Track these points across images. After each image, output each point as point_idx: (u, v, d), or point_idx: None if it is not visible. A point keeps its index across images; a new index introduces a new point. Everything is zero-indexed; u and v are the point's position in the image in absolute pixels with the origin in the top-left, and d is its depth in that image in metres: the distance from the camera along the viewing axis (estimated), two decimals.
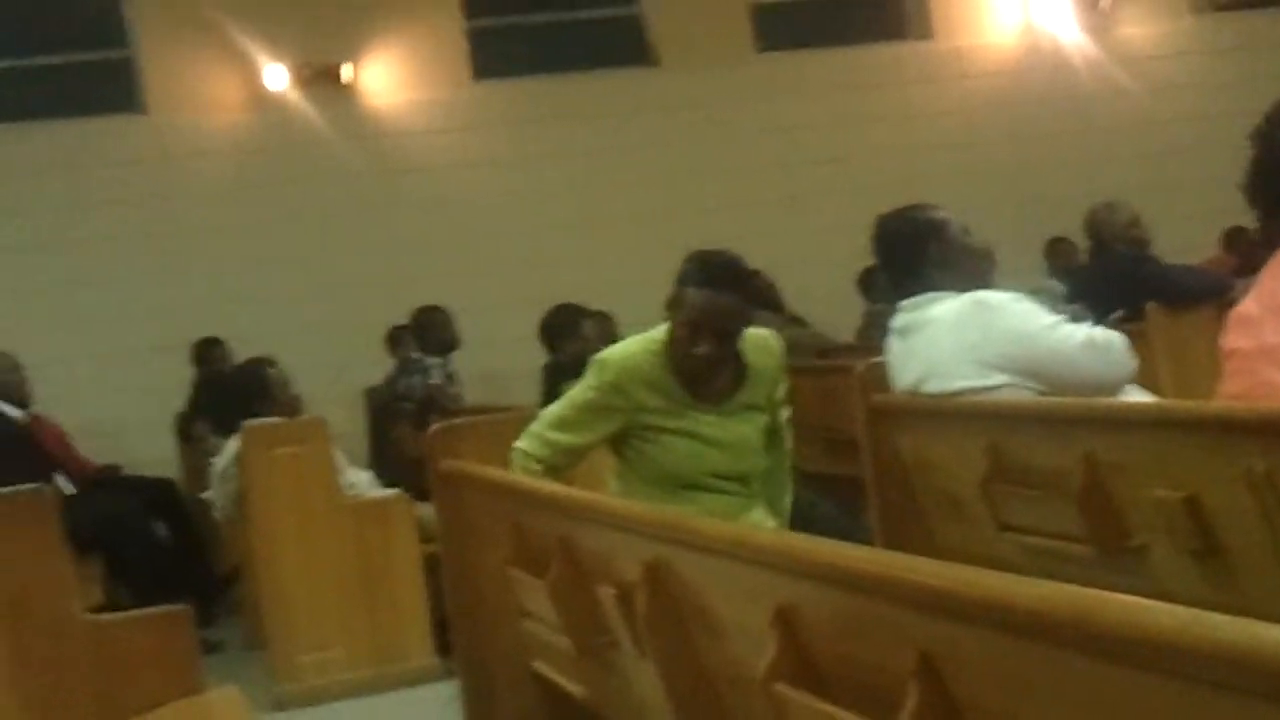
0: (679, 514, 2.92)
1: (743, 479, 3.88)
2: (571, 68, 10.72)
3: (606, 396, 3.78)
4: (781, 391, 4.04)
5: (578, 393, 3.87)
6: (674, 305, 3.77)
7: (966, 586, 1.65)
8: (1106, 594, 1.44)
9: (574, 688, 3.48)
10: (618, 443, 3.89)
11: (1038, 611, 1.50)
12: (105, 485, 7.65)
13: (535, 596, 3.42)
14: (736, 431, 3.84)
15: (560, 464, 3.87)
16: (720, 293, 3.68)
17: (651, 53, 10.85)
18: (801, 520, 4.25)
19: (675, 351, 3.77)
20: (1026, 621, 1.52)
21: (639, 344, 3.85)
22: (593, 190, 10.46)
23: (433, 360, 8.49)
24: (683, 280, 3.74)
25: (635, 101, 10.67)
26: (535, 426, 3.92)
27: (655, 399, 3.77)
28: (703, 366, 3.76)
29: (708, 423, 3.80)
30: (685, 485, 3.76)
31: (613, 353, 3.87)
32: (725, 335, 3.74)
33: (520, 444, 3.89)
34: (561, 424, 3.85)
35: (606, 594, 2.89)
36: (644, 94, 10.71)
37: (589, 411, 3.82)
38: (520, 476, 3.78)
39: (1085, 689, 1.49)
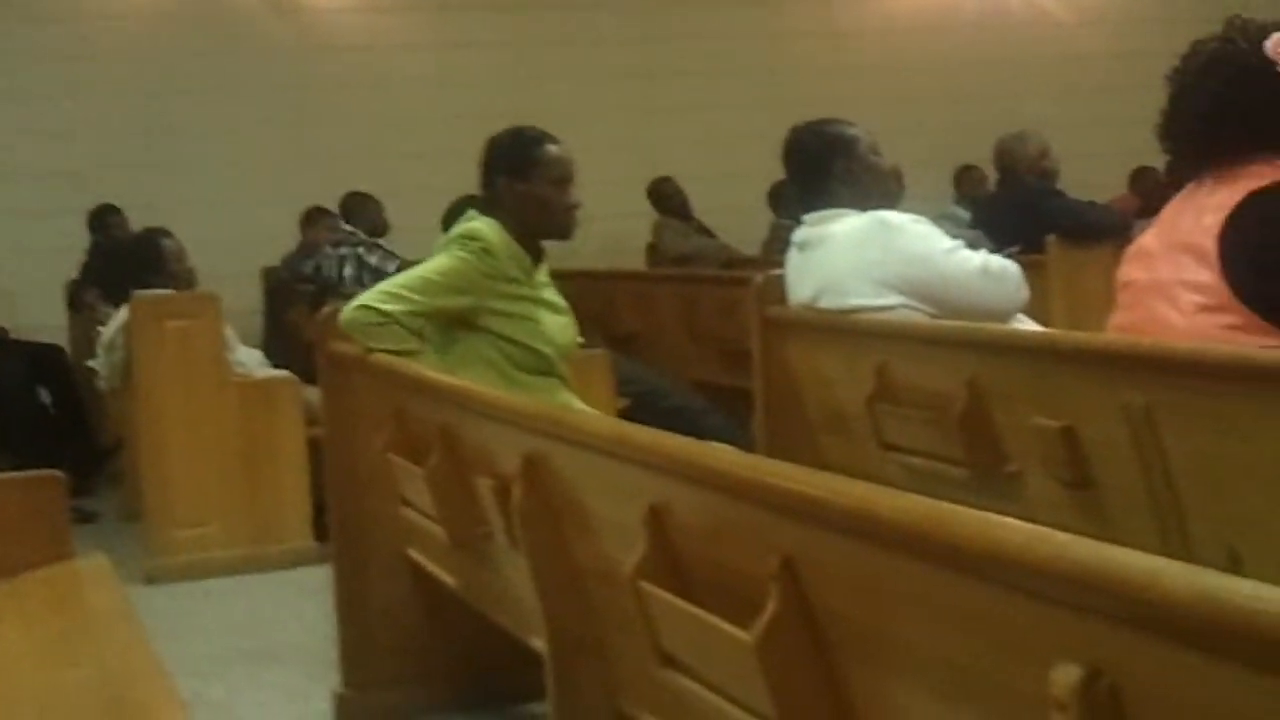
0: (559, 408, 2.92)
1: (564, 358, 3.90)
2: None
3: (478, 263, 3.71)
4: None
5: (440, 263, 3.77)
6: (528, 169, 3.82)
7: (829, 494, 1.65)
8: (961, 508, 1.44)
9: (447, 577, 3.48)
10: (461, 344, 3.77)
11: (897, 521, 1.51)
12: None
13: (414, 484, 3.41)
14: (563, 302, 3.92)
15: (408, 326, 3.71)
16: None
17: None
18: (690, 428, 4.23)
19: (542, 214, 3.80)
20: (886, 530, 1.53)
21: (484, 221, 3.81)
22: (509, 83, 10.31)
23: (360, 245, 8.14)
24: (519, 149, 3.88)
25: None
26: (388, 286, 3.77)
27: (515, 268, 3.76)
28: (575, 219, 3.84)
29: (549, 292, 3.87)
30: (532, 370, 3.74)
31: (474, 225, 3.78)
32: None
33: (371, 300, 3.72)
34: (425, 287, 3.72)
35: (484, 485, 2.88)
36: None
37: (455, 278, 3.71)
38: (380, 346, 3.68)
39: (940, 599, 1.50)
